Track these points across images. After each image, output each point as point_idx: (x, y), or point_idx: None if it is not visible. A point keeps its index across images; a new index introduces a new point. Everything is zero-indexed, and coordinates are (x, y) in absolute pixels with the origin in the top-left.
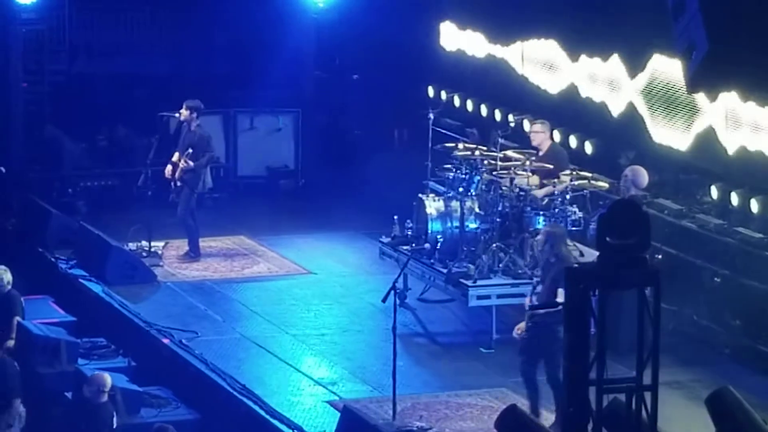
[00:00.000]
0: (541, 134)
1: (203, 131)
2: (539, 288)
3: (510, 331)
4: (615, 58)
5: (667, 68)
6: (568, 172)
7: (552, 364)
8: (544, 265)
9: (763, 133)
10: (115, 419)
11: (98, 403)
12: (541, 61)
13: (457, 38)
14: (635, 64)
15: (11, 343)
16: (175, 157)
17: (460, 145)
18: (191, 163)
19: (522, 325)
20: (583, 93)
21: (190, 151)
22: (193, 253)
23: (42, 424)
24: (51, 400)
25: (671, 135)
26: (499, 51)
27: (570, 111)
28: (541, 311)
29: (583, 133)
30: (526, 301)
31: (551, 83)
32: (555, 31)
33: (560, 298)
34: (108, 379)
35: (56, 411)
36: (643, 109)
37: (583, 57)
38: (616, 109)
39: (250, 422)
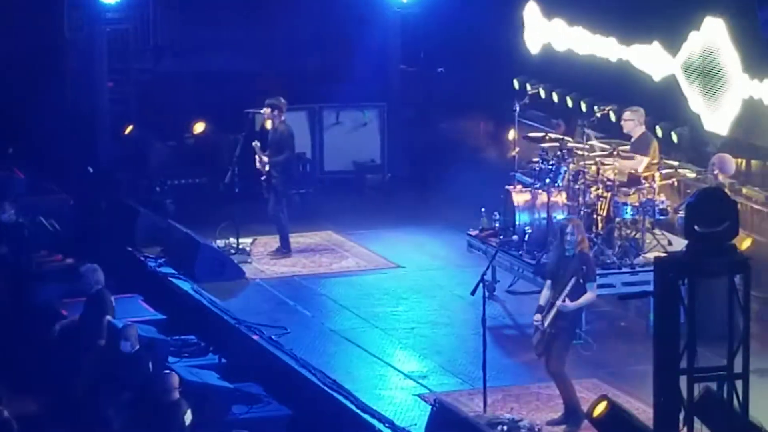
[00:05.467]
0: (630, 122)
1: (285, 128)
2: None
3: (599, 321)
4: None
5: None
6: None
7: (563, 358)
8: (559, 261)
9: None
10: (188, 416)
11: (170, 401)
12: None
13: (542, 30)
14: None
15: (102, 342)
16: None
17: (547, 136)
18: (265, 158)
19: (539, 316)
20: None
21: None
22: (285, 249)
23: (134, 424)
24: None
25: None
26: (585, 42)
27: (664, 100)
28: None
29: (670, 122)
30: (542, 298)
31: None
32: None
33: (593, 291)
34: (176, 378)
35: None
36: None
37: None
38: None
39: (341, 417)
